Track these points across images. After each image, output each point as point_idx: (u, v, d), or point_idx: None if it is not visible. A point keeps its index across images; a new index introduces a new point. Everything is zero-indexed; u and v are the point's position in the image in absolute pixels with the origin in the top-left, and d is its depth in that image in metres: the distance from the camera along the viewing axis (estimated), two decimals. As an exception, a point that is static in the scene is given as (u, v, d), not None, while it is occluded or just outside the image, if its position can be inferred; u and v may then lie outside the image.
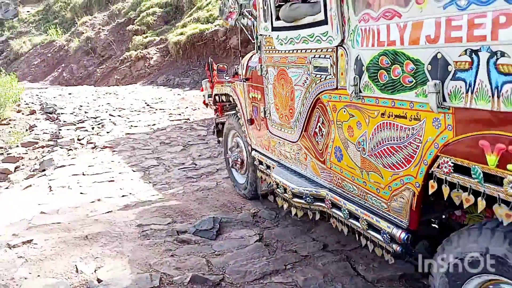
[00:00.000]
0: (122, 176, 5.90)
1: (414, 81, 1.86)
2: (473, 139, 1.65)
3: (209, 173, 5.77)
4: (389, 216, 2.16)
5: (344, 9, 2.29)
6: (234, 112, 4.41)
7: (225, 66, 4.83)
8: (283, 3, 2.95)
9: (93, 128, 9.07)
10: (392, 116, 2.05)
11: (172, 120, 9.40)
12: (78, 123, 9.51)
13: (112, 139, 8.10)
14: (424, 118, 1.87)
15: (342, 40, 2.35)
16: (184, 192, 5.05)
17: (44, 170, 6.84)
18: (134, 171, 6.16)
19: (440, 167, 1.81)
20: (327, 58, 2.50)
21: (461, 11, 1.59)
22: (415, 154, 1.94)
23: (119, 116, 10.07)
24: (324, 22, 2.45)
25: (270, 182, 3.57)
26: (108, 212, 4.37)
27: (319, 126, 2.73)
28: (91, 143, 8.01)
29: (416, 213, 2.00)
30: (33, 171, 7.16)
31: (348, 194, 2.49)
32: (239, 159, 4.40)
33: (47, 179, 6.10)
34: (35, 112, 11.61)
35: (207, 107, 5.40)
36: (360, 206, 2.37)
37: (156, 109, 10.64)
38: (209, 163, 6.35)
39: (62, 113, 10.49)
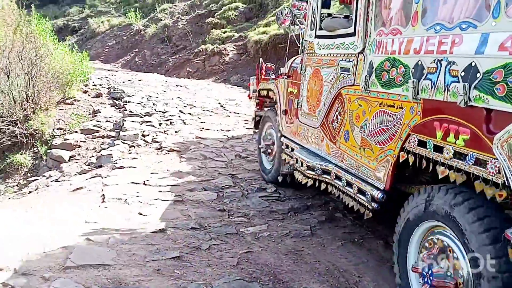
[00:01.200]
0: (192, 195, 4.74)
1: (403, 80, 2.60)
2: (431, 120, 2.36)
3: (298, 209, 4.48)
4: (373, 182, 2.93)
5: (368, 25, 3.08)
6: (272, 108, 5.17)
7: (273, 66, 5.50)
8: (326, 17, 3.78)
9: (160, 124, 8.12)
10: (386, 105, 2.80)
11: (248, 128, 8.18)
12: (144, 116, 8.66)
13: (180, 141, 7.03)
14: (405, 107, 2.59)
15: (363, 49, 3.12)
16: (270, 236, 3.98)
17: (100, 166, 5.85)
18: (205, 189, 4.99)
19: (409, 142, 2.54)
20: (350, 61, 3.26)
21: (436, 33, 2.34)
22: (396, 133, 2.67)
23: (190, 114, 9.16)
24: (353, 34, 3.23)
25: (291, 164, 4.27)
26: (173, 258, 3.15)
27: (336, 115, 3.47)
28: (157, 142, 6.96)
29: (391, 178, 2.74)
30: (88, 164, 6.20)
31: (347, 167, 3.28)
32: (270, 147, 5.12)
33: (101, 183, 5.05)
34: (101, 95, 10.84)
35: (250, 100, 6.07)
36: (355, 176, 3.16)
37: (230, 112, 9.53)
38: (296, 194, 5.02)
39: (129, 101, 9.61)
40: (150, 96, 10.50)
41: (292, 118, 4.36)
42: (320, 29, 3.75)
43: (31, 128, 9.11)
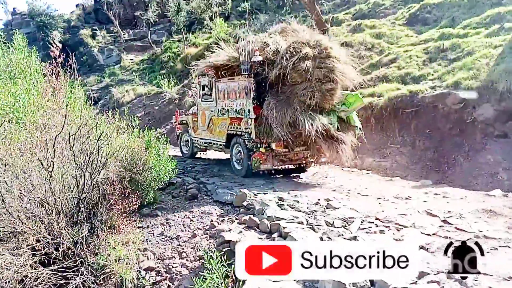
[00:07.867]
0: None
1: (225, 113, 10.24)
2: (231, 121, 10.03)
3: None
4: (222, 141, 10.45)
5: (217, 97, 10.60)
6: (185, 128, 12.39)
7: (182, 111, 13.32)
8: (204, 93, 11.11)
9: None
10: (223, 119, 10.36)
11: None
12: None
13: None
14: (227, 119, 10.15)
15: (216, 105, 10.65)
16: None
17: None
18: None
19: (228, 128, 10.14)
20: (212, 107, 10.82)
21: (230, 101, 10.21)
22: (226, 126, 10.22)
23: None
24: (212, 100, 10.80)
25: (197, 147, 11.97)
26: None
27: (211, 124, 10.93)
28: None
29: (226, 139, 10.21)
30: None
31: (215, 139, 10.83)
32: (188, 143, 12.32)
33: None
34: (197, 197, 7.26)
35: (175, 127, 13.31)
36: (217, 141, 10.73)
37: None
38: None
39: (279, 219, 5.62)
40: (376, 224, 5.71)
41: (196, 129, 11.49)
42: (202, 98, 10.97)
43: (99, 270, 5.47)
